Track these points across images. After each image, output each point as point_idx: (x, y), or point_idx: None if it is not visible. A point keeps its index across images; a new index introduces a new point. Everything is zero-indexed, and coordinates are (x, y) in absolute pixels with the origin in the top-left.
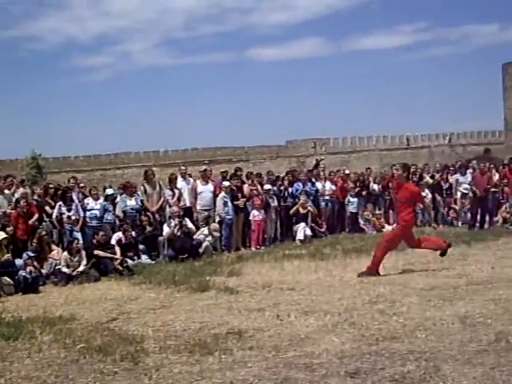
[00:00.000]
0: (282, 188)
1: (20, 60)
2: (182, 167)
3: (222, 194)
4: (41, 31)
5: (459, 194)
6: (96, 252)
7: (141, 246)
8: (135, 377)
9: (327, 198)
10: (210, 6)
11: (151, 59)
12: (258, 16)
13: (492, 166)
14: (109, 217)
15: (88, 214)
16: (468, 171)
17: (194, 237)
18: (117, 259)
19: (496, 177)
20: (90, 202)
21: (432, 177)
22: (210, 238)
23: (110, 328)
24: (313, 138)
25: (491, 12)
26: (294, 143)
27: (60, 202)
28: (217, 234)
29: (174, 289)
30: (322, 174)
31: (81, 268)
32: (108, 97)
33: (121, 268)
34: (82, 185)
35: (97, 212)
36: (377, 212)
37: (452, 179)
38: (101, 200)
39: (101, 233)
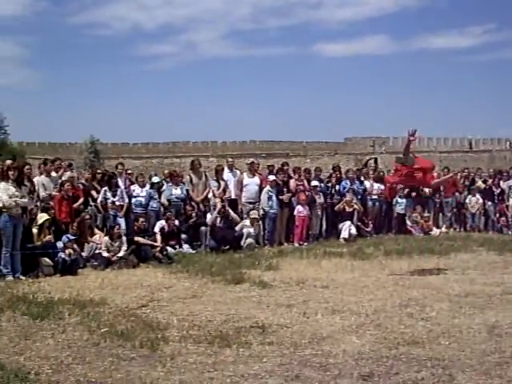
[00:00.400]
0: (330, 185)
1: (85, 46)
2: (230, 159)
3: (267, 187)
4: (107, 18)
5: (511, 200)
6: (136, 238)
7: (183, 235)
8: (150, 364)
9: (375, 197)
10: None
11: (216, 50)
12: (325, 11)
13: None
14: (154, 204)
15: (133, 200)
16: None
17: (237, 228)
18: (157, 247)
19: None
20: (136, 188)
21: (484, 181)
22: (252, 230)
23: (137, 314)
24: (372, 136)
25: None
26: (352, 140)
27: (105, 188)
28: (258, 224)
29: (209, 279)
30: (371, 172)
31: (121, 253)
32: (171, 86)
33: (160, 256)
34: (129, 171)
35: (142, 199)
36: (425, 214)
37: (505, 185)
38: (147, 187)
39: (141, 219)
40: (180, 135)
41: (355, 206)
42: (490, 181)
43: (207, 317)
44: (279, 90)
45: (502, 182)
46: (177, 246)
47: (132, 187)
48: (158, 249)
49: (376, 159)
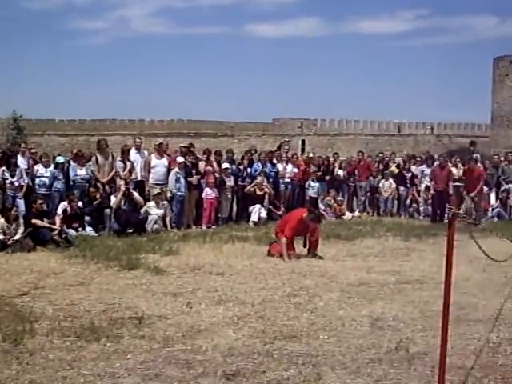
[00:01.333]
0: (241, 167)
1: (11, 19)
2: (137, 139)
3: (175, 169)
4: None
5: (423, 185)
6: (34, 221)
7: (87, 218)
8: (6, 361)
9: (287, 180)
10: None
11: (148, 27)
12: None
13: (458, 160)
14: (58, 185)
15: (37, 181)
16: (435, 163)
17: (141, 211)
18: (55, 229)
19: (461, 171)
20: (40, 168)
21: (398, 166)
22: (158, 212)
23: (13, 303)
24: (300, 117)
25: (491, 4)
26: (280, 121)
27: (3, 167)
28: (163, 205)
29: (104, 265)
30: (284, 155)
31: (17, 236)
32: (101, 63)
33: (59, 239)
34: (33, 150)
35: (46, 180)
36: (339, 198)
37: (417, 170)
38: (51, 167)
39: (39, 201)
40: (107, 113)
41: (266, 190)
42: (402, 166)
43: (87, 306)
44: (210, 70)
45: (414, 167)
46: (80, 229)
47: (36, 167)
48: (56, 232)
49: (304, 140)
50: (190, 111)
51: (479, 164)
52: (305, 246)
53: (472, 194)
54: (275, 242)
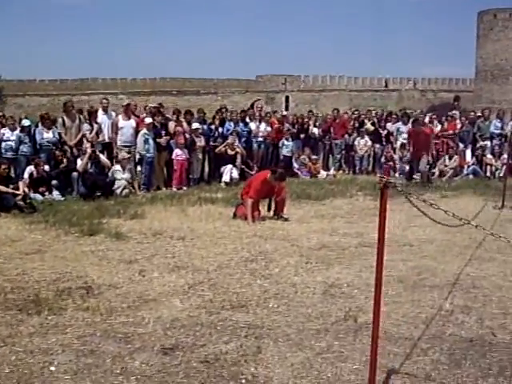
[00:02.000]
0: (213, 127)
1: None
2: (104, 100)
3: (144, 130)
4: None
5: (399, 143)
6: None
7: (54, 182)
8: None
9: (260, 139)
10: None
11: None
12: None
13: (434, 117)
14: (24, 149)
15: (3, 144)
16: (411, 120)
17: (109, 174)
18: (19, 195)
19: (438, 128)
20: (6, 132)
21: (373, 124)
22: (124, 177)
23: None
24: (283, 74)
25: None
26: (264, 78)
27: None
28: (131, 167)
29: (64, 231)
30: (257, 114)
31: None
32: (82, 21)
33: (23, 204)
34: None
35: (12, 143)
36: (313, 157)
37: (393, 127)
38: (17, 131)
39: (2, 166)
40: (89, 71)
41: (237, 150)
42: (377, 124)
43: (38, 276)
44: (192, 26)
45: (389, 125)
46: (46, 193)
47: (2, 131)
48: (20, 197)
49: (287, 97)
50: (173, 69)
51: (457, 121)
52: (269, 209)
53: (424, 158)
54: (241, 205)
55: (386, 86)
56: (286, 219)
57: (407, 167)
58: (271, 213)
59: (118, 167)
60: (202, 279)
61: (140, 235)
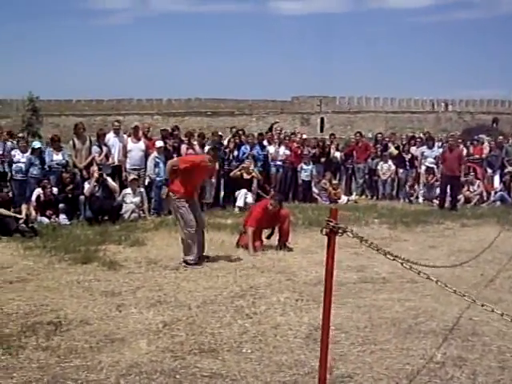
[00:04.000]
0: (227, 150)
1: None
2: (116, 122)
3: (154, 153)
4: None
5: (423, 168)
6: None
7: (61, 205)
8: None
9: (279, 163)
10: None
11: (169, 5)
12: None
13: (461, 140)
14: (34, 171)
15: (14, 166)
16: (436, 144)
17: (119, 198)
18: (20, 218)
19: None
20: (16, 154)
21: (397, 148)
22: (133, 200)
23: None
24: (319, 95)
25: None
26: (299, 99)
27: None
28: (140, 192)
29: (58, 257)
30: (275, 137)
31: None
32: (121, 42)
33: (25, 228)
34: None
35: (22, 166)
36: (334, 181)
37: (417, 152)
38: (28, 153)
39: (5, 189)
40: (125, 92)
41: (253, 174)
42: (401, 147)
43: (12, 308)
44: (231, 48)
45: (414, 148)
46: (53, 216)
47: (12, 152)
48: (22, 221)
49: (323, 118)
50: (208, 89)
51: (486, 145)
52: (269, 237)
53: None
54: (244, 233)
55: (447, 107)
56: (291, 249)
57: (437, 191)
58: (275, 242)
59: (128, 190)
60: (181, 317)
61: (134, 264)
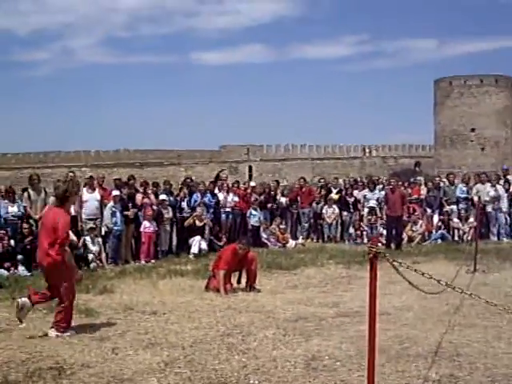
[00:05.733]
0: (179, 198)
1: None
2: (71, 173)
3: (111, 203)
4: None
5: (366, 210)
6: None
7: (19, 256)
8: None
9: (228, 209)
10: (153, 7)
11: (93, 57)
12: (202, 20)
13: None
14: None
15: None
16: (377, 187)
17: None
18: None
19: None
20: None
21: (339, 192)
22: (93, 249)
23: None
24: (246, 144)
25: (431, 27)
26: (227, 148)
27: None
28: (98, 241)
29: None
30: (224, 185)
31: None
32: (46, 94)
33: None
34: None
35: None
36: (281, 226)
37: (359, 195)
38: None
39: None
40: (53, 144)
41: (205, 221)
42: (344, 191)
43: (5, 357)
44: (155, 99)
45: (356, 192)
46: (12, 268)
47: None
48: None
49: (251, 167)
50: (136, 141)
51: (422, 186)
52: (238, 282)
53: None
54: (213, 277)
55: (370, 152)
56: (259, 290)
57: (380, 232)
58: (242, 285)
59: (88, 238)
60: (178, 356)
61: (110, 311)
